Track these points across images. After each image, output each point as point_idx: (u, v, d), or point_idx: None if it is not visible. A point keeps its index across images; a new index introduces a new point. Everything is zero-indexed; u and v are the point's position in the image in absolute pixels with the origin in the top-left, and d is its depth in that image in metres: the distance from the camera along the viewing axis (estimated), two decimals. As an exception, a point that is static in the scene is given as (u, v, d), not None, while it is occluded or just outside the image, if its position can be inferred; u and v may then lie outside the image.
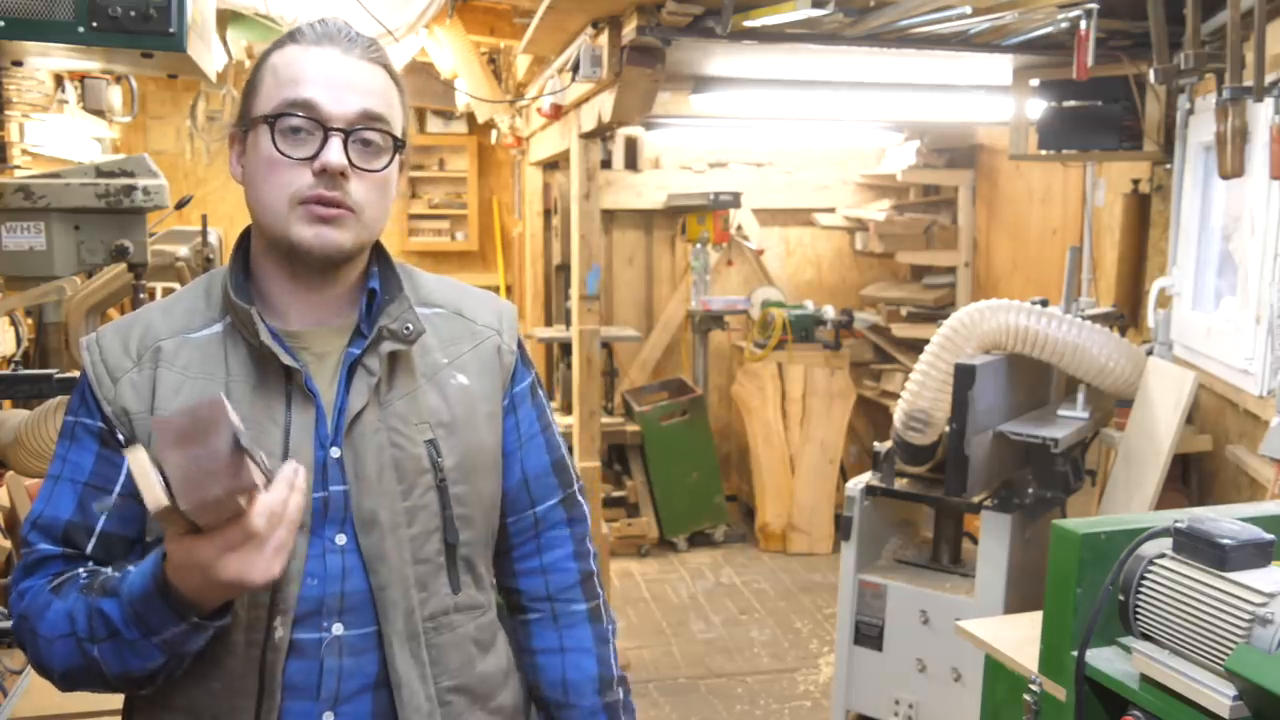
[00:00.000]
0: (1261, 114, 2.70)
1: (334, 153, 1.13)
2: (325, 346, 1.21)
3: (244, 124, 1.18)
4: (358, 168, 1.15)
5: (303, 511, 1.03)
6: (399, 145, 1.19)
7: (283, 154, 1.13)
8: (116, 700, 1.27)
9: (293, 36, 1.18)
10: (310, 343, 1.20)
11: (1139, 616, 1.61)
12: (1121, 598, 1.62)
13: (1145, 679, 1.57)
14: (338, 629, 1.15)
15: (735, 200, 5.80)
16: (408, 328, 1.21)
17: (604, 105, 3.72)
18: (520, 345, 1.36)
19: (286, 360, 1.15)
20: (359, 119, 1.15)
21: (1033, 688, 1.82)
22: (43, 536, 1.14)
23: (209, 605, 1.04)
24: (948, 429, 2.92)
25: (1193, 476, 3.28)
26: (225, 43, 4.41)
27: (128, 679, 1.09)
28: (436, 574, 1.21)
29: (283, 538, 1.01)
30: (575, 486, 1.39)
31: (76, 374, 2.63)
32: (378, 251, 1.27)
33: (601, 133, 4.16)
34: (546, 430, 1.36)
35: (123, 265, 2.53)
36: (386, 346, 1.19)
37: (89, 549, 1.15)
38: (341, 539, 1.16)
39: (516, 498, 1.34)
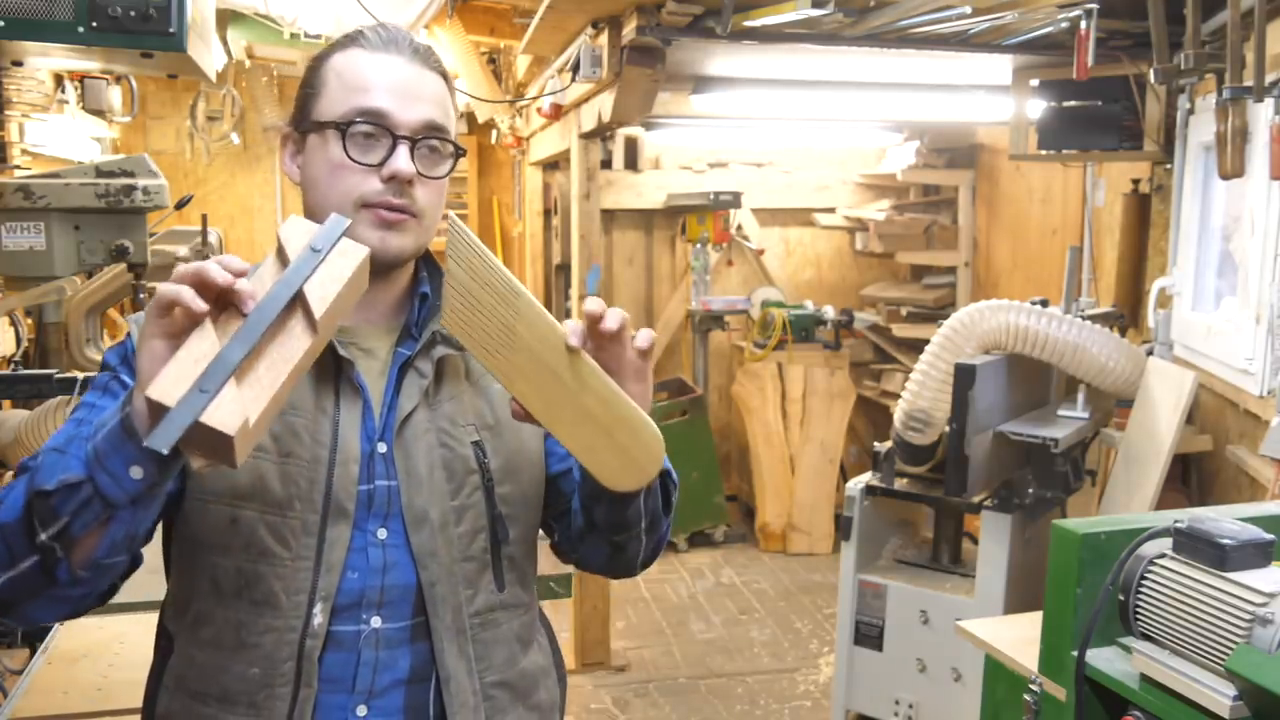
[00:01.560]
0: (1261, 114, 2.70)
1: (403, 160, 1.17)
2: (372, 343, 1.23)
3: (304, 125, 1.21)
4: (422, 175, 1.19)
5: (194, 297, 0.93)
6: (459, 152, 1.23)
7: (353, 160, 1.17)
8: (119, 700, 1.26)
9: (356, 40, 1.21)
10: (357, 338, 1.23)
11: (1139, 616, 1.61)
12: (1121, 598, 1.62)
13: (1145, 679, 1.57)
14: (376, 622, 1.17)
15: (735, 200, 5.80)
16: None
17: (604, 105, 3.72)
18: None
19: (340, 352, 1.17)
20: (424, 128, 1.19)
21: (1033, 688, 1.82)
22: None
23: (138, 406, 0.96)
24: (948, 429, 2.92)
25: (1193, 476, 3.28)
26: (225, 43, 4.42)
27: (43, 504, 0.99)
28: (483, 571, 1.23)
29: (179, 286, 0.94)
30: None
31: (77, 374, 2.64)
32: (427, 255, 1.30)
33: (601, 133, 4.16)
34: None
35: (123, 265, 2.53)
36: (439, 351, 1.22)
37: None
38: (383, 533, 1.18)
39: (569, 481, 1.31)
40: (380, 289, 1.23)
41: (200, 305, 0.94)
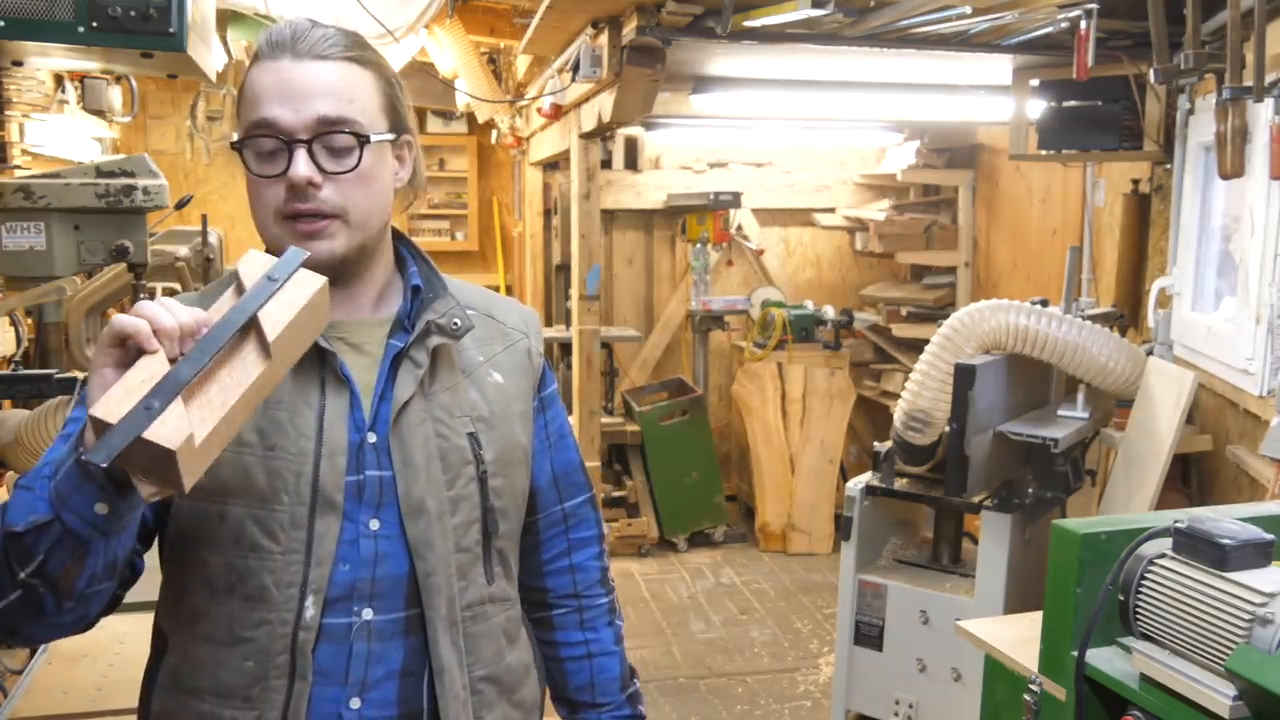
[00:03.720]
0: (1261, 114, 2.70)
1: (299, 166, 1.13)
2: (361, 337, 1.23)
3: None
4: (328, 172, 1.15)
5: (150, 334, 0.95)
6: (365, 140, 1.16)
7: (258, 174, 1.15)
8: (119, 700, 1.26)
9: (257, 53, 1.17)
10: (345, 333, 1.22)
11: (1139, 616, 1.61)
12: (1121, 598, 1.62)
13: (1145, 679, 1.57)
14: (368, 614, 1.17)
15: (735, 200, 5.80)
16: (455, 323, 1.24)
17: (604, 105, 3.72)
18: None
19: (322, 344, 1.17)
20: (318, 125, 1.14)
21: (1033, 688, 1.82)
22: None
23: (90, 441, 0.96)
24: (948, 429, 2.91)
25: (1193, 476, 3.28)
26: (225, 43, 4.41)
27: (17, 544, 1.00)
28: (474, 564, 1.24)
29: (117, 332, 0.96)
30: (594, 488, 1.46)
31: (77, 374, 2.64)
32: (412, 250, 1.29)
33: (601, 133, 4.17)
34: (570, 432, 1.42)
35: (123, 265, 2.53)
36: (434, 340, 1.22)
37: None
38: (375, 524, 1.18)
39: (547, 494, 1.38)
40: (353, 283, 1.22)
41: (154, 345, 0.95)
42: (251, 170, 1.15)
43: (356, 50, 1.19)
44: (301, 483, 1.14)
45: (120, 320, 0.95)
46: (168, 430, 0.89)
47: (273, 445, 1.14)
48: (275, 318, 0.97)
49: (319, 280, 1.02)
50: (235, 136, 1.18)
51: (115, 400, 0.91)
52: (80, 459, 0.97)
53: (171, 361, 0.94)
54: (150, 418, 0.89)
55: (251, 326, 0.97)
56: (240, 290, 0.99)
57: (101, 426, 0.90)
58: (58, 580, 1.02)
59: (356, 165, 1.16)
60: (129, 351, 0.95)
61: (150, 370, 0.93)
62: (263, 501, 1.14)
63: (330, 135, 1.14)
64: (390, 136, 1.20)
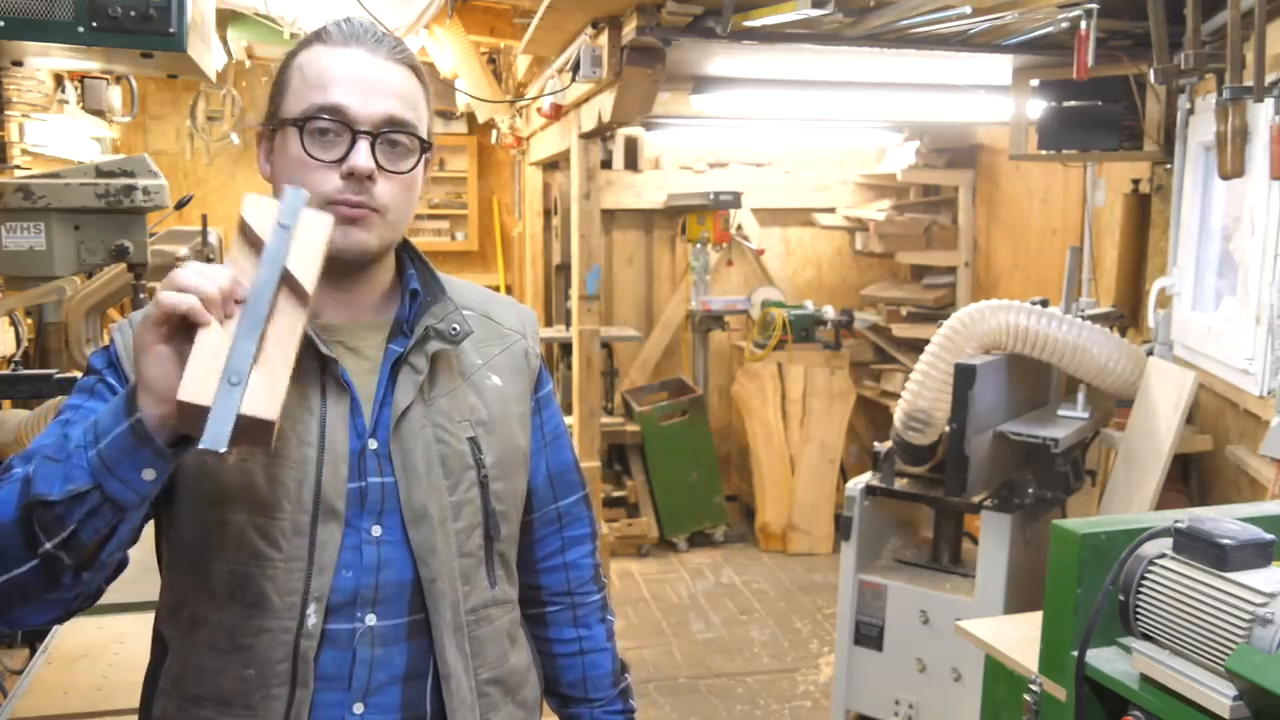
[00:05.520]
0: (1261, 114, 2.70)
1: (362, 156, 1.14)
2: (360, 341, 1.22)
3: (272, 124, 1.19)
4: (385, 169, 1.16)
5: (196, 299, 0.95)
6: (425, 146, 1.20)
7: (312, 156, 1.14)
8: (119, 701, 1.26)
9: (319, 36, 1.18)
10: (344, 337, 1.22)
11: (1139, 616, 1.61)
12: (1121, 598, 1.62)
13: (1145, 679, 1.57)
14: (371, 620, 1.17)
15: (735, 200, 5.80)
16: (454, 328, 1.23)
17: (604, 105, 3.72)
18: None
19: (323, 350, 1.16)
20: (386, 122, 1.15)
21: (1033, 688, 1.82)
22: (25, 464, 1.07)
23: (149, 411, 0.97)
24: (948, 429, 2.91)
25: (1193, 476, 3.28)
26: (225, 43, 4.42)
27: (46, 513, 0.98)
28: (477, 568, 1.24)
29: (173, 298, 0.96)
30: (588, 487, 1.46)
31: (77, 374, 2.64)
32: (411, 253, 1.29)
33: (601, 133, 4.16)
34: (565, 431, 1.42)
35: (123, 265, 2.53)
36: (433, 346, 1.22)
37: None
38: (377, 530, 1.18)
39: (542, 493, 1.38)
40: (358, 285, 1.22)
41: (207, 318, 0.96)
42: (306, 150, 1.14)
43: (417, 62, 1.22)
44: (304, 490, 1.14)
45: (168, 298, 0.95)
46: (260, 402, 0.93)
47: (275, 452, 1.13)
48: (303, 266, 1.00)
49: (326, 219, 1.04)
50: (290, 113, 1.16)
51: (197, 382, 0.93)
52: (133, 424, 0.97)
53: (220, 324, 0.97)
54: (240, 393, 0.92)
55: (283, 279, 0.99)
56: (250, 238, 1.00)
57: (193, 410, 0.92)
58: (83, 550, 1.01)
59: (413, 168, 1.18)
60: (175, 324, 0.96)
61: (213, 344, 0.95)
62: (264, 509, 1.13)
63: (393, 134, 1.16)
64: (430, 151, 1.22)
